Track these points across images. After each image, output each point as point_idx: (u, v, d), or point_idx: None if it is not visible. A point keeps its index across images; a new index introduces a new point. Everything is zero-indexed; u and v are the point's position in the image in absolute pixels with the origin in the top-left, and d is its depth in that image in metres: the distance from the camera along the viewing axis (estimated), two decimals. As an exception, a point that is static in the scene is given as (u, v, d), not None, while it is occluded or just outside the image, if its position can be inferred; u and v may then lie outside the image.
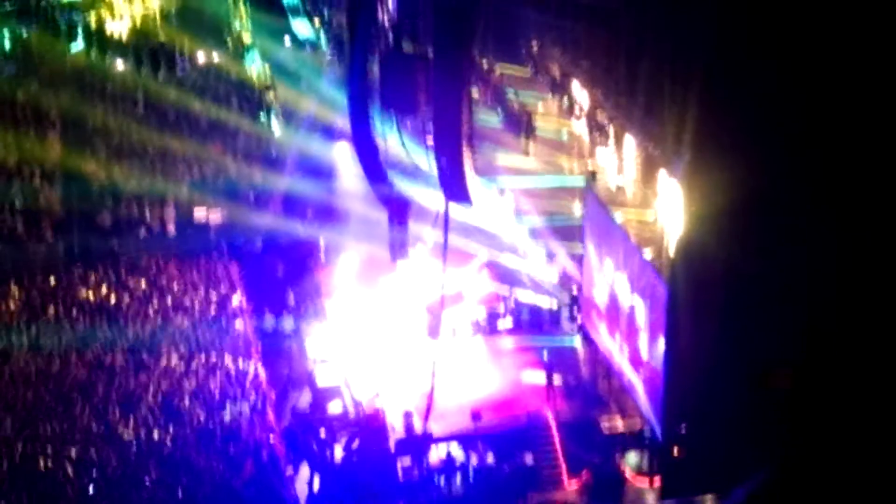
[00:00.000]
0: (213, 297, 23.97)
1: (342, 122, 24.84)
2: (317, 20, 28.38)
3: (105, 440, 19.62)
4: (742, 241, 16.96)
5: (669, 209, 18.82)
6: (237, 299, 23.91)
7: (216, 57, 27.24)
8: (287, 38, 28.77)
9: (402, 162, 24.54)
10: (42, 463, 18.89)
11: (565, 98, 25.44)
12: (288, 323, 22.74)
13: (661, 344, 17.80)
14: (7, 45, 26.38)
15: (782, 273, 16.38)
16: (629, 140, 20.84)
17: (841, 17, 14.87)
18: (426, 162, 24.61)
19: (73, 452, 19.13)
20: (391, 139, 25.05)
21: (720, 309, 17.13)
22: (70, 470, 18.70)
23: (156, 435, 19.94)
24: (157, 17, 27.27)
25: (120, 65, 26.59)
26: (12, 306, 23.50)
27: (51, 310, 23.45)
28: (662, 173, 18.88)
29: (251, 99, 26.46)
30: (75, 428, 20.00)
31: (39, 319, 23.08)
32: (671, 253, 18.55)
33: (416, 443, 19.52)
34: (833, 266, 15.97)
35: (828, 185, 15.82)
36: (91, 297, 23.90)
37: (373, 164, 23.34)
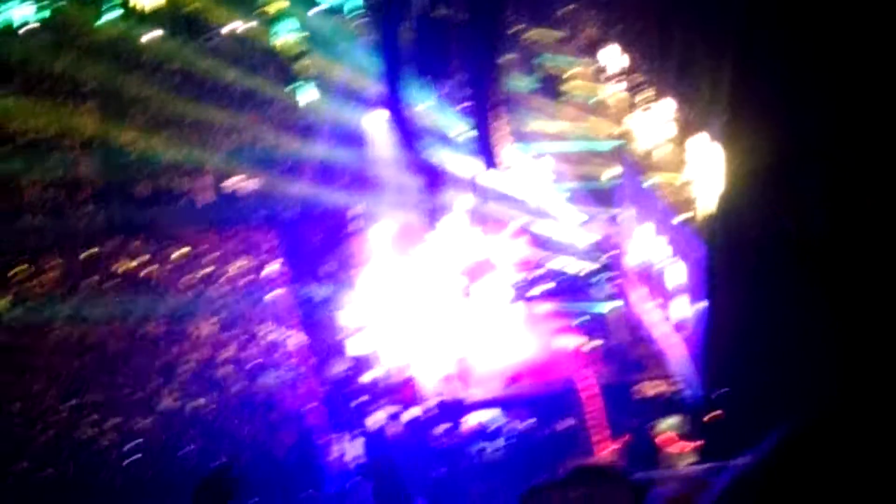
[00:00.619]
0: (251, 265, 24.12)
1: (377, 89, 24.81)
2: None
3: (147, 409, 19.89)
4: (781, 201, 16.82)
5: (707, 171, 18.68)
6: (275, 268, 24.05)
7: (249, 24, 27.18)
8: (322, 3, 28.65)
9: (438, 128, 24.52)
10: (86, 432, 19.18)
11: (599, 61, 25.23)
12: (325, 291, 22.84)
13: (700, 307, 17.73)
14: (43, 14, 26.48)
15: (822, 234, 16.23)
16: (664, 103, 20.66)
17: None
18: (462, 127, 24.63)
19: (115, 422, 19.41)
20: (426, 105, 25.04)
21: (759, 271, 17.02)
22: (113, 438, 18.97)
23: (197, 403, 20.21)
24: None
25: (154, 34, 26.60)
26: (53, 277, 23.77)
27: (91, 280, 23.72)
28: (699, 135, 18.71)
29: (285, 66, 26.43)
30: (117, 397, 20.29)
31: (80, 290, 23.39)
32: (709, 215, 18.44)
33: (453, 409, 19.60)
34: (876, 227, 15.76)
35: (867, 141, 15.61)
36: (130, 268, 24.16)
37: (407, 131, 23.35)
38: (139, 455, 18.85)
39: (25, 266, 23.69)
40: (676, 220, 18.64)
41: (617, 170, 21.77)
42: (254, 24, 26.85)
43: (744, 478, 1.49)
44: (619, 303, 21.79)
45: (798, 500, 1.44)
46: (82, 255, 24.36)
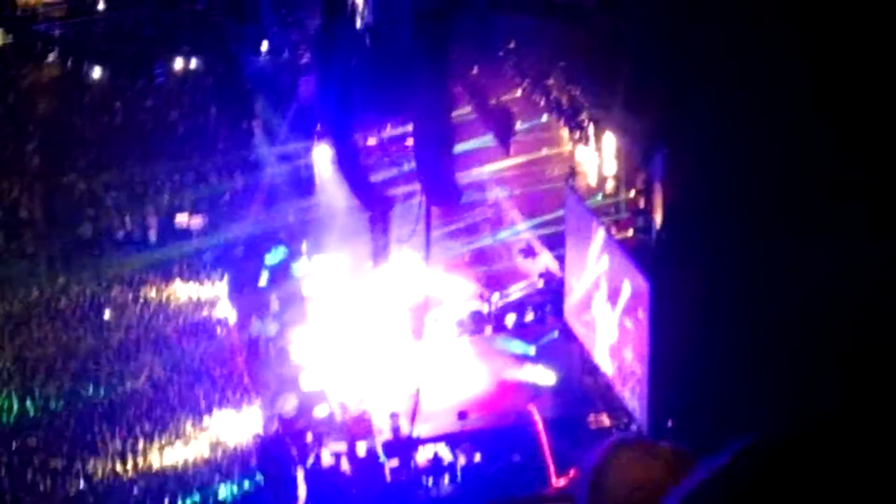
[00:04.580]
0: (197, 303, 23.95)
1: (321, 125, 24.87)
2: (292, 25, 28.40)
3: (92, 450, 19.61)
4: (723, 235, 17.04)
5: (650, 205, 18.92)
6: (221, 305, 23.89)
7: (193, 63, 27.17)
8: (265, 43, 28.74)
9: (382, 164, 24.62)
10: (30, 476, 18.94)
11: (544, 97, 25.47)
12: (272, 328, 22.70)
13: (645, 339, 17.85)
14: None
15: (766, 268, 16.42)
16: (608, 137, 20.88)
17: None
18: (407, 164, 24.71)
19: (58, 464, 19.12)
20: (370, 141, 25.13)
21: (703, 303, 17.18)
22: (54, 482, 18.72)
23: (141, 444, 19.97)
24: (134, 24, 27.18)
25: (97, 73, 26.50)
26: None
27: (34, 323, 23.41)
28: (642, 169, 18.95)
29: (230, 105, 26.42)
30: (62, 439, 20.00)
31: (23, 332, 23.06)
32: (653, 248, 18.63)
33: (403, 444, 19.53)
34: (819, 261, 15.97)
35: (813, 179, 15.83)
36: (74, 309, 23.85)
37: (352, 167, 23.37)
38: (82, 498, 18.59)
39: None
40: (621, 252, 18.80)
41: (563, 203, 21.86)
42: (198, 63, 26.85)
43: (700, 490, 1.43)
44: (566, 336, 21.83)
45: None
46: (24, 298, 24.03)
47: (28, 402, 20.99)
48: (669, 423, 17.14)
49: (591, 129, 22.05)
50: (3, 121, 25.74)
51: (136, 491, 18.62)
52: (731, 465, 1.39)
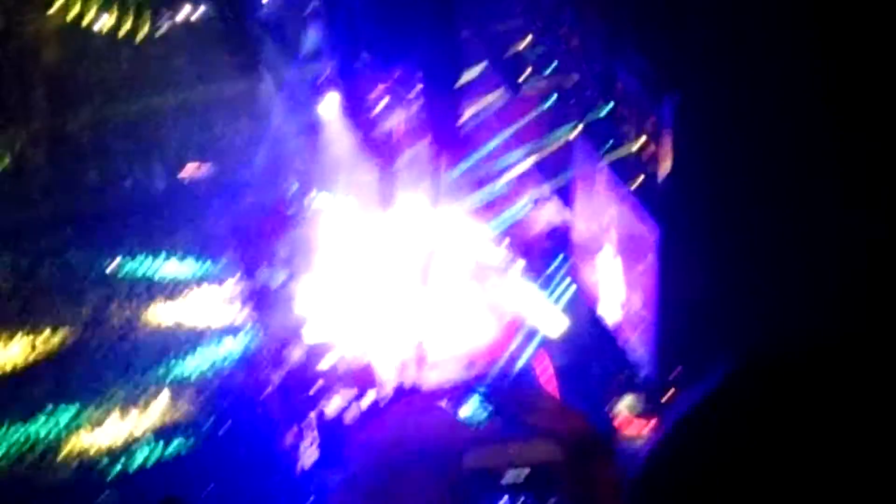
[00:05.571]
0: (203, 254, 23.82)
1: (329, 72, 24.54)
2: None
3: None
4: (733, 180, 16.72)
5: (660, 150, 18.56)
6: (228, 254, 23.74)
7: (202, 8, 26.82)
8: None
9: (390, 109, 24.28)
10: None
11: (556, 43, 24.99)
12: (279, 278, 22.53)
13: (653, 285, 17.60)
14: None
15: (776, 214, 16.12)
16: (619, 81, 20.45)
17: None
18: (419, 109, 24.39)
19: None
20: (378, 86, 24.77)
21: (713, 249, 16.91)
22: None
23: (149, 393, 19.96)
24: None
25: (103, 20, 26.19)
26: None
27: (41, 273, 23.37)
28: (652, 114, 18.57)
29: (236, 52, 26.09)
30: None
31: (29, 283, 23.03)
32: (662, 193, 18.30)
33: (409, 395, 19.38)
34: (829, 205, 15.65)
35: (827, 125, 15.48)
36: (82, 259, 23.77)
37: (359, 113, 23.11)
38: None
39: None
40: (631, 197, 18.49)
41: (571, 146, 21.48)
42: (203, 9, 26.49)
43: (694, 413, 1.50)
44: (574, 282, 21.59)
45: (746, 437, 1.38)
46: (32, 247, 23.96)
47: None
48: (676, 372, 16.90)
49: (602, 74, 21.65)
50: (8, 71, 25.50)
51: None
52: (723, 387, 1.48)
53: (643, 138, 19.33)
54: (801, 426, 1.32)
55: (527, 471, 15.76)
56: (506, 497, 15.69)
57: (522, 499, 15.70)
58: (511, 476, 15.71)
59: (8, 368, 20.65)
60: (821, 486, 1.29)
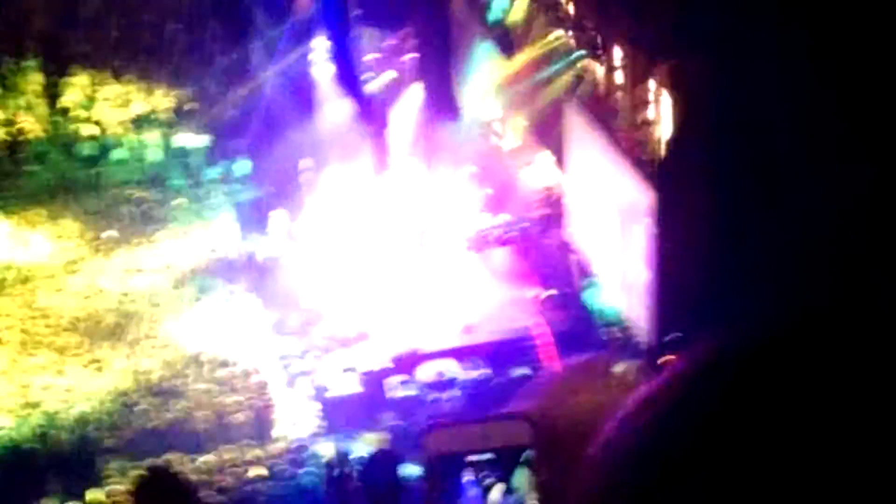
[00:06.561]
0: (202, 222, 23.81)
1: (323, 38, 24.49)
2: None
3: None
4: (729, 145, 16.76)
5: (657, 116, 18.60)
6: (223, 223, 23.71)
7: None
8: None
9: (383, 74, 24.27)
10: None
11: (551, 8, 24.90)
12: (274, 247, 22.51)
13: (651, 250, 17.66)
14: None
15: (770, 179, 16.18)
16: (615, 46, 20.44)
17: None
18: (411, 75, 24.36)
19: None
20: (374, 55, 24.74)
21: (709, 214, 16.96)
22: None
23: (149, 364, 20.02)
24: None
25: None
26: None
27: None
28: (649, 78, 18.61)
29: (228, 18, 25.95)
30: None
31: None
32: (659, 159, 18.34)
33: (408, 360, 19.42)
34: (822, 171, 15.70)
35: (821, 94, 15.50)
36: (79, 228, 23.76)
37: (352, 78, 23.08)
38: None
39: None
40: (628, 161, 18.53)
41: (568, 111, 21.43)
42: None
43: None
44: (572, 247, 21.57)
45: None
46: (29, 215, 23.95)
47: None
48: (672, 336, 16.94)
49: (598, 40, 21.60)
50: (2, 38, 25.39)
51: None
52: (690, 370, 1.40)
53: (640, 104, 19.36)
54: (757, 421, 1.28)
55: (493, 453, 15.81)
56: (471, 475, 15.69)
57: (488, 475, 15.67)
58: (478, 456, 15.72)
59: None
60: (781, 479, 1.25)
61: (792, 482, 1.26)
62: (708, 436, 1.31)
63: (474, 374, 19.29)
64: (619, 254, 19.18)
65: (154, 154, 25.44)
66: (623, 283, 19.08)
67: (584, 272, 20.88)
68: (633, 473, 1.36)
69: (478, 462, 15.90)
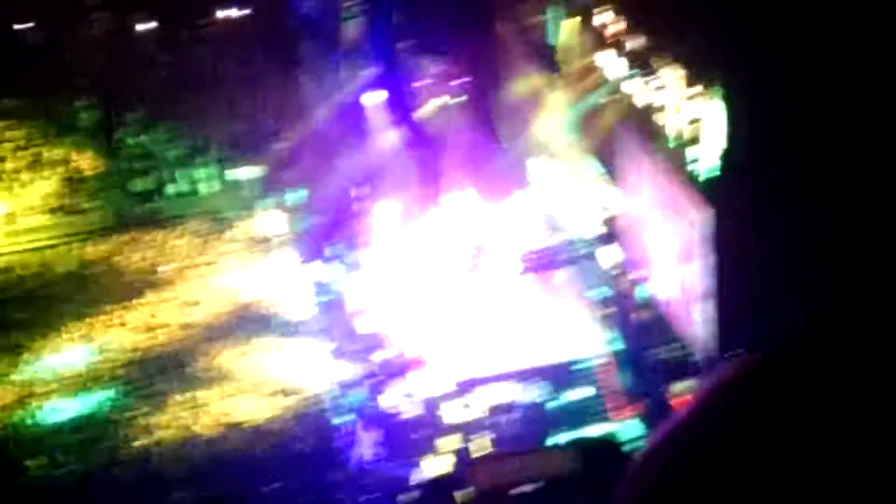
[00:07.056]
0: (260, 248, 24.04)
1: (373, 70, 24.65)
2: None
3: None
4: (781, 163, 16.64)
5: (708, 129, 18.49)
6: (283, 250, 23.88)
7: (244, 12, 27.00)
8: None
9: (432, 103, 24.37)
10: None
11: (596, 28, 24.93)
12: (334, 271, 22.65)
13: (708, 265, 17.54)
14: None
15: (828, 186, 16.02)
16: (663, 63, 20.40)
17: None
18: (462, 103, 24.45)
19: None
20: (424, 82, 24.87)
21: (767, 227, 16.81)
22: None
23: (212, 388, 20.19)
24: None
25: (145, 25, 26.47)
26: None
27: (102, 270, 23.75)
28: (699, 94, 18.54)
29: (278, 53, 26.21)
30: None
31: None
32: (714, 172, 18.22)
33: (466, 384, 19.41)
34: (882, 179, 15.56)
35: (869, 112, 15.39)
36: (139, 262, 24.06)
37: (401, 108, 23.20)
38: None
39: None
40: (681, 177, 18.44)
41: (617, 130, 21.39)
42: (247, 12, 26.68)
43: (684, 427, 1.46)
44: (626, 267, 21.46)
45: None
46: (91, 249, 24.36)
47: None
48: (734, 353, 16.76)
49: (646, 60, 21.58)
50: (58, 77, 25.82)
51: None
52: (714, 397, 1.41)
53: (690, 122, 19.29)
54: (793, 434, 1.32)
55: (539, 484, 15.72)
56: None
57: None
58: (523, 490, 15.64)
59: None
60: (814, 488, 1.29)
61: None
62: (733, 461, 1.35)
63: (534, 395, 19.25)
64: (675, 270, 19.07)
65: (208, 187, 25.74)
66: (680, 299, 18.96)
67: (640, 291, 20.79)
68: (666, 495, 1.40)
69: (520, 496, 15.87)
